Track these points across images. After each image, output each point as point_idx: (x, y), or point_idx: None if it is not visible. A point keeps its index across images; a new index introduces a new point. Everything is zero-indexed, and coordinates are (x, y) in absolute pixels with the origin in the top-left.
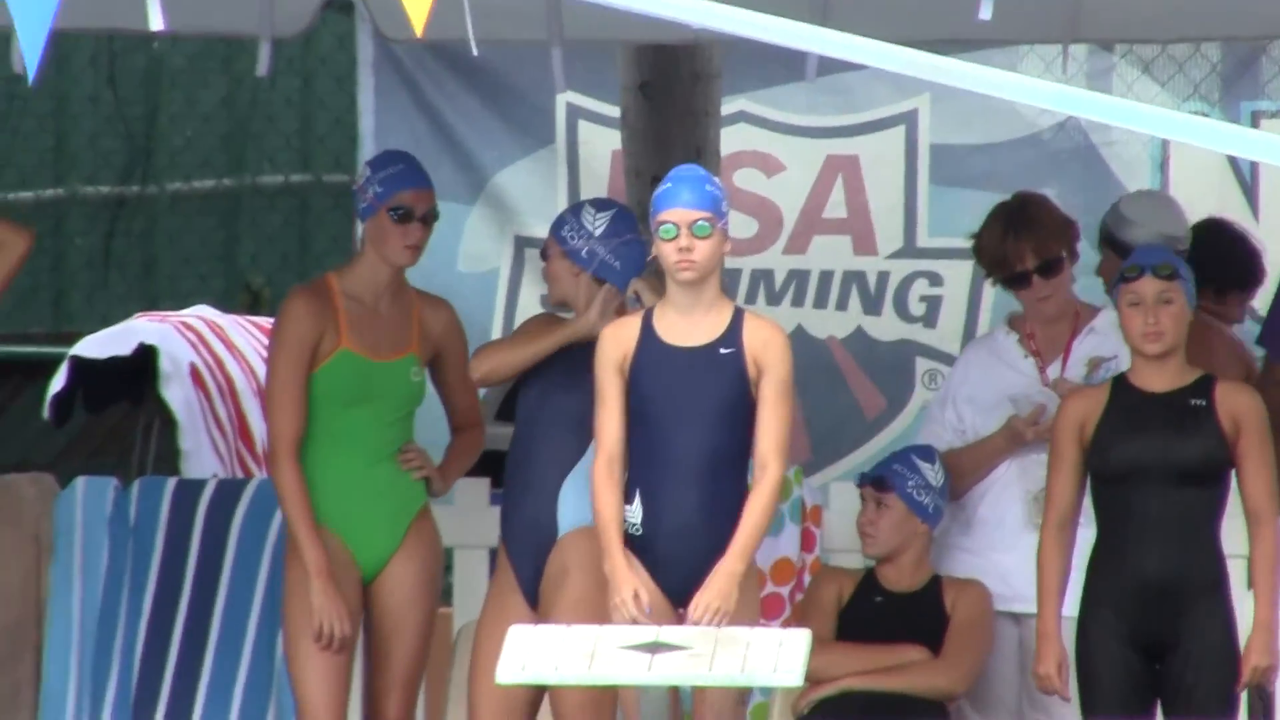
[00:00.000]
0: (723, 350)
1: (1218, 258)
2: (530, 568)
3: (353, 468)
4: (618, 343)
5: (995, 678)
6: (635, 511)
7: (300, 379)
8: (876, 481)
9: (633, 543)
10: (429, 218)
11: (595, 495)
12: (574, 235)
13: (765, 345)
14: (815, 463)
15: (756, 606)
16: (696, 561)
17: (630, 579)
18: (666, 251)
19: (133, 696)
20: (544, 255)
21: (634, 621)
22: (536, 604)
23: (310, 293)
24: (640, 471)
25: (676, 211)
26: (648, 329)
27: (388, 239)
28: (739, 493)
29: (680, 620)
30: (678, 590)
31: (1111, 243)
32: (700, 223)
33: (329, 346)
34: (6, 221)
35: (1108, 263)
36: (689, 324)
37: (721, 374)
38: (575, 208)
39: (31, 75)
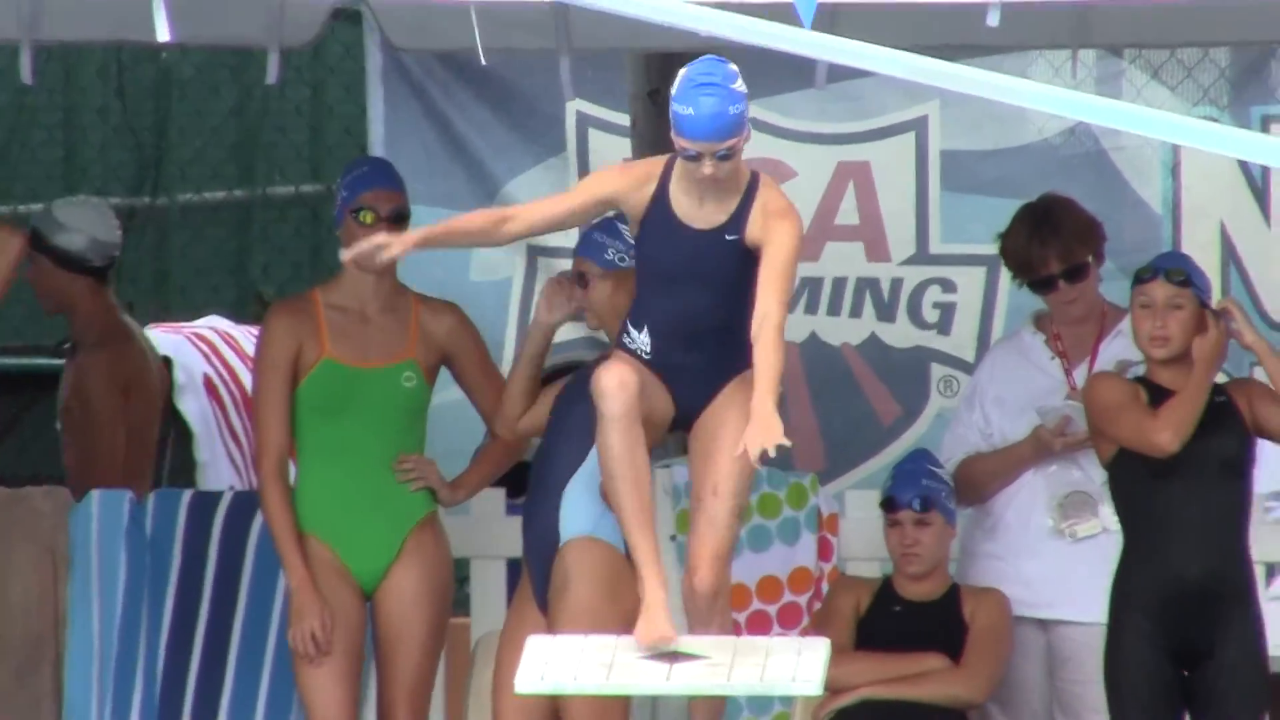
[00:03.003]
0: (728, 237)
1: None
2: (541, 577)
3: (345, 478)
4: (635, 186)
5: (1023, 683)
6: (644, 339)
7: (278, 393)
8: (923, 502)
9: (644, 361)
10: (397, 218)
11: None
12: (620, 254)
13: (766, 230)
14: (831, 471)
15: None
16: (703, 392)
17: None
18: (690, 167)
19: (157, 709)
20: (583, 283)
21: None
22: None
23: (288, 307)
24: (653, 317)
25: (701, 144)
26: (662, 194)
27: (354, 242)
28: (746, 343)
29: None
30: (683, 405)
31: (41, 246)
32: (724, 151)
33: (311, 357)
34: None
35: (39, 270)
36: (709, 193)
37: (726, 258)
38: (606, 226)
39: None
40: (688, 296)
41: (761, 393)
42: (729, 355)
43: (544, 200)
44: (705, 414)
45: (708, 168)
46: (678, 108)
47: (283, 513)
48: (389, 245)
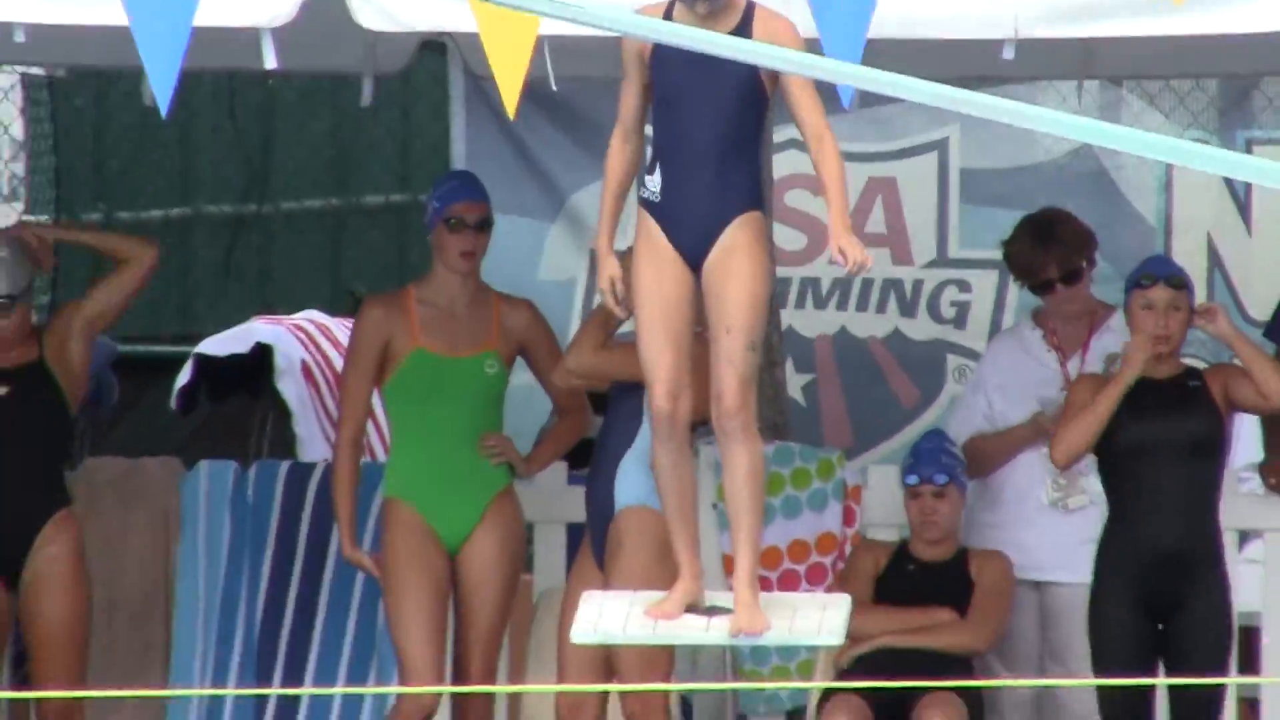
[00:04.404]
0: None
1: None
2: (599, 540)
3: (433, 453)
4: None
5: (1018, 636)
6: (655, 181)
7: (365, 373)
8: (948, 474)
9: (652, 208)
10: (482, 225)
11: (607, 159)
12: None
13: (773, 40)
14: (856, 447)
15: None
16: (707, 228)
17: (611, 265)
18: (686, 4)
19: (255, 654)
20: None
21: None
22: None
23: (381, 301)
24: (662, 146)
25: None
26: (668, 20)
27: (446, 247)
28: (750, 172)
29: (695, 279)
30: (691, 251)
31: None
32: None
33: (403, 347)
34: (136, 237)
35: None
36: (706, 20)
37: (732, 67)
38: None
39: (164, 109)
40: (695, 112)
41: (837, 215)
42: (731, 187)
43: (623, 99)
44: (711, 258)
45: (701, 8)
46: None
47: (347, 475)
48: (611, 278)
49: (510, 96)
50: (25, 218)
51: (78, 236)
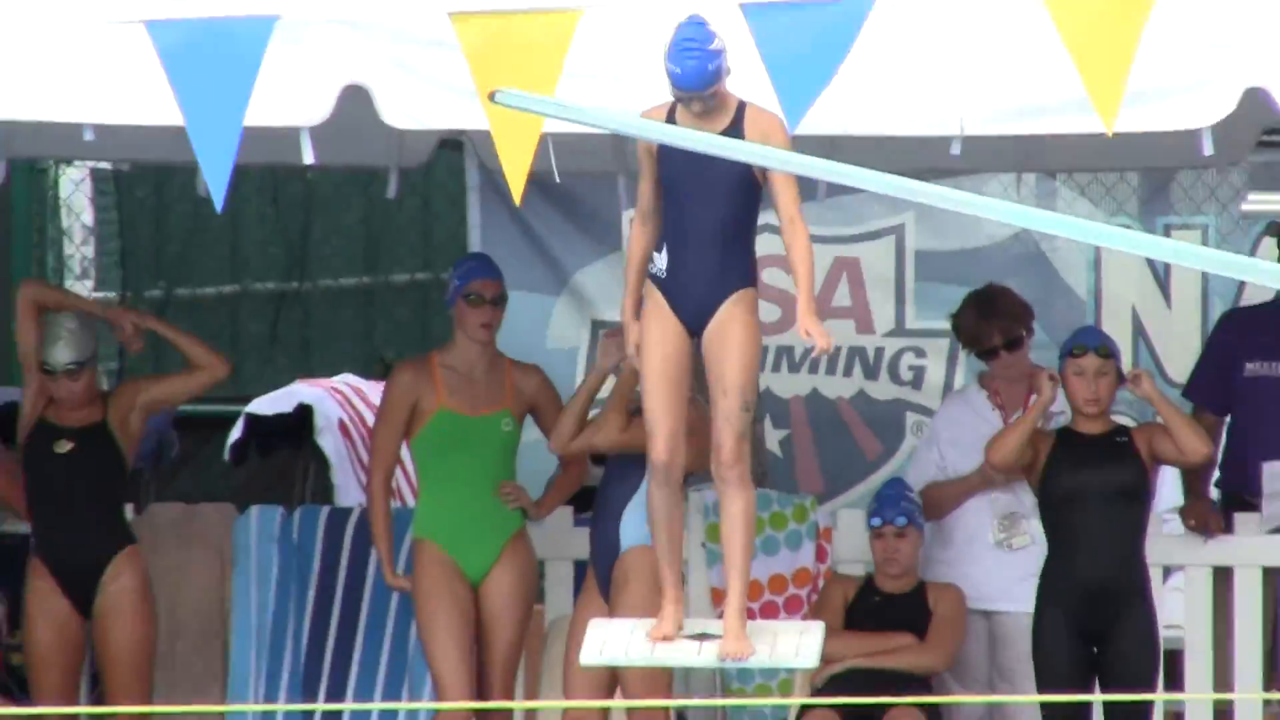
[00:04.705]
0: None
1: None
2: (604, 575)
3: (457, 499)
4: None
5: (970, 659)
6: (662, 259)
7: (391, 433)
8: (907, 517)
9: (659, 283)
10: (498, 300)
11: (629, 241)
12: None
13: (763, 137)
14: (827, 493)
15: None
16: (707, 302)
17: (635, 331)
18: (683, 105)
19: (302, 676)
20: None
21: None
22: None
23: (410, 366)
24: (668, 231)
25: (689, 94)
26: (670, 123)
27: (466, 319)
28: (744, 254)
29: (694, 346)
30: (692, 321)
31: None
32: (709, 95)
33: (429, 406)
34: (215, 351)
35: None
36: (702, 119)
37: (727, 161)
38: None
39: (219, 203)
40: (695, 201)
41: (804, 298)
42: (728, 267)
43: (640, 189)
44: (710, 329)
45: (697, 107)
46: (669, 66)
47: (382, 513)
48: (626, 348)
49: (516, 186)
50: (94, 294)
51: (170, 335)
